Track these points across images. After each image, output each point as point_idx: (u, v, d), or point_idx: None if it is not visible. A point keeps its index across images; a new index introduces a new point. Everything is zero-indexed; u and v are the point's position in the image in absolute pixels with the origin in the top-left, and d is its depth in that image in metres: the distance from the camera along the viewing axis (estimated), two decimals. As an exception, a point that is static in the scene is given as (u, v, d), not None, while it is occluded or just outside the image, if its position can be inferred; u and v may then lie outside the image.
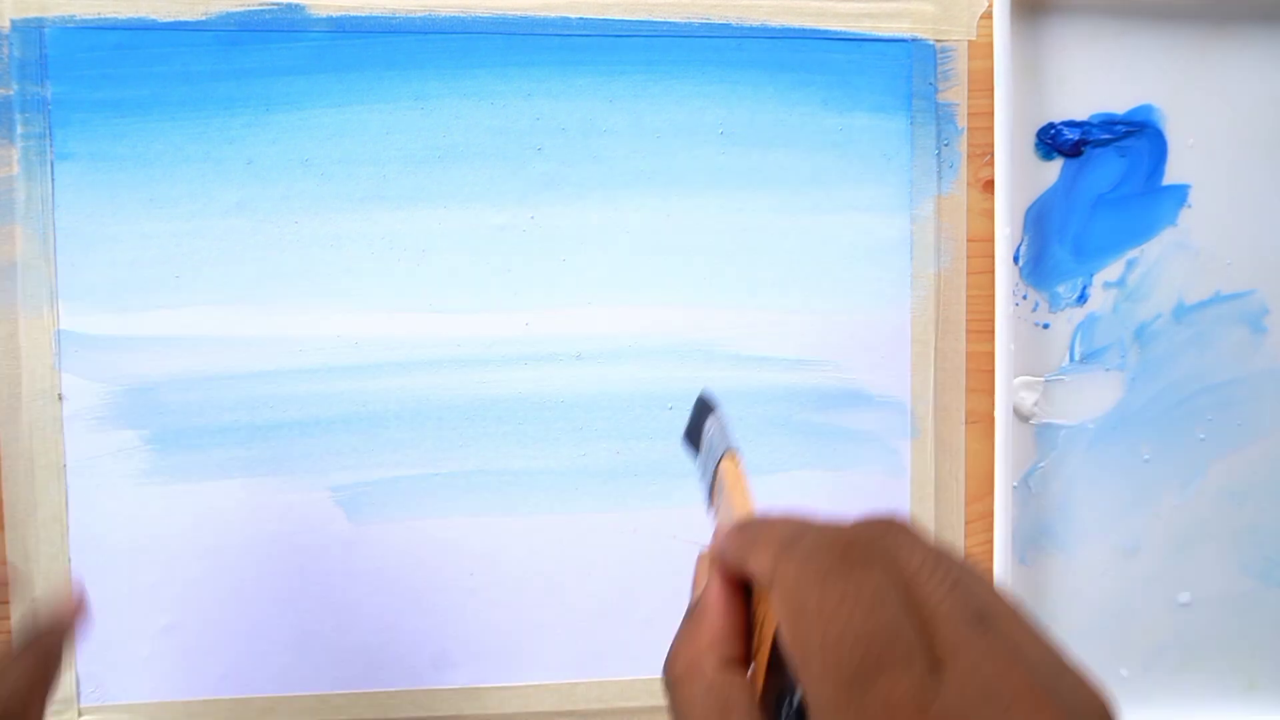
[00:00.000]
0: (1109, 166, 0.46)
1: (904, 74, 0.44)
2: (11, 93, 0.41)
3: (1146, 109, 0.46)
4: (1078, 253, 0.46)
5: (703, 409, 0.32)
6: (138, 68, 0.42)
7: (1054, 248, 0.46)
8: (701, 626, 0.26)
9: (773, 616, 0.23)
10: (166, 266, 0.42)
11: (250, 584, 0.43)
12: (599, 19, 0.43)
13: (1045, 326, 0.46)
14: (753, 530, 0.24)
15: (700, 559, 0.28)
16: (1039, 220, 0.46)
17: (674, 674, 0.25)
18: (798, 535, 0.22)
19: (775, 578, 0.21)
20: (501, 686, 0.44)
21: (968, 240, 0.45)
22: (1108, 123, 0.46)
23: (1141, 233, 0.46)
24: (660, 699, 0.45)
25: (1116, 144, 0.46)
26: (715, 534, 0.27)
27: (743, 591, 0.25)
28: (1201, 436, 0.47)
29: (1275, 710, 0.48)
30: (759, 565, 0.22)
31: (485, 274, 0.43)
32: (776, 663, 0.24)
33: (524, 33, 0.43)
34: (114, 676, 0.43)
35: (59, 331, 0.42)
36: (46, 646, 0.32)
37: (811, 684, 0.19)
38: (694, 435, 0.33)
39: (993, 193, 0.44)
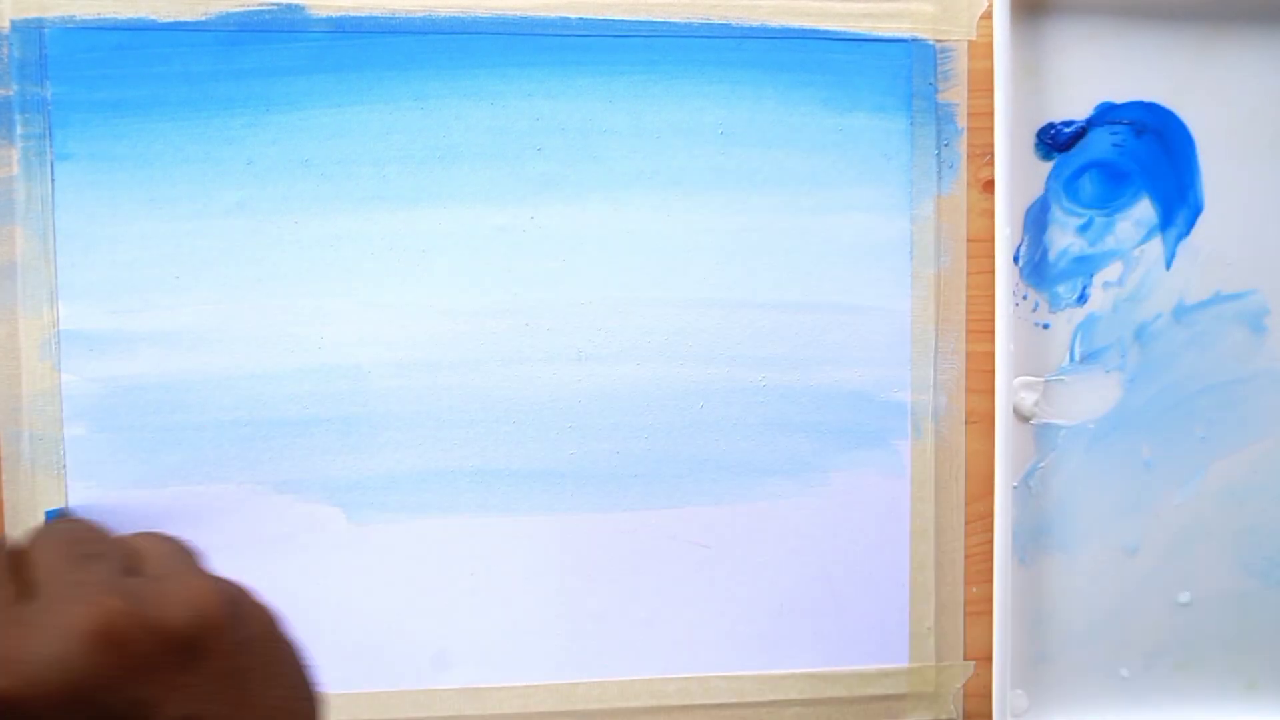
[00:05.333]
0: (1109, 166, 0.46)
1: (904, 74, 0.44)
2: (11, 93, 0.41)
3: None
4: (1078, 252, 0.46)
5: None
6: (138, 68, 0.42)
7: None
8: None
9: None
10: (166, 266, 0.42)
11: (249, 584, 0.43)
12: (599, 19, 0.43)
13: (1045, 326, 0.46)
14: None
15: None
16: (1039, 220, 0.46)
17: None
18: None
19: None
20: (501, 686, 0.44)
21: (968, 240, 0.45)
22: (1108, 123, 0.46)
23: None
24: (660, 699, 0.45)
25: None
26: None
27: None
28: (1201, 436, 0.47)
29: (1275, 710, 0.48)
30: None
31: (485, 274, 0.43)
32: None
33: (524, 33, 0.43)
34: (114, 676, 0.43)
35: (59, 331, 0.42)
36: None
37: None
38: None
39: (993, 193, 0.44)
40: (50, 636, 0.21)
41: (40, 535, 0.27)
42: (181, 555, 0.27)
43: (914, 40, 0.44)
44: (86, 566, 0.25)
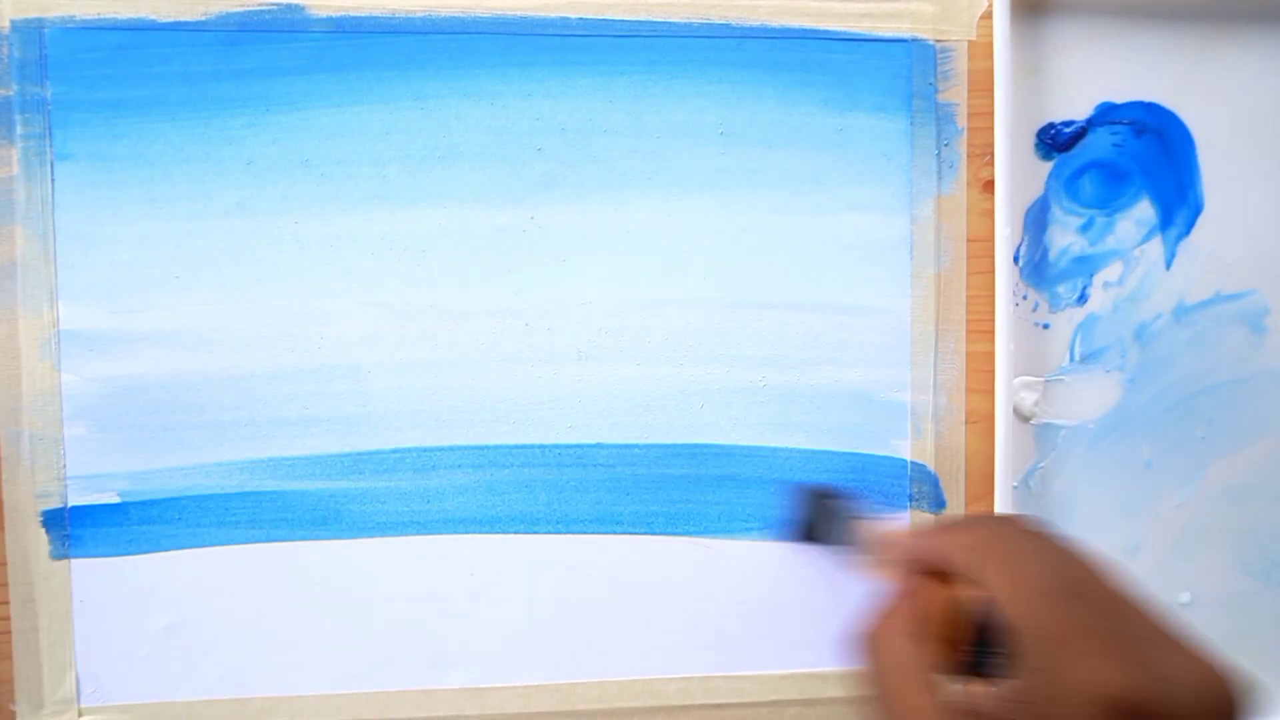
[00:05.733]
0: (1109, 166, 0.46)
1: (904, 74, 0.44)
2: (11, 93, 0.41)
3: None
4: (1078, 252, 0.46)
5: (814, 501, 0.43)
6: (138, 68, 0.42)
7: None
8: (898, 609, 0.31)
9: (952, 598, 0.30)
10: (166, 266, 0.42)
11: (250, 584, 0.43)
12: (599, 19, 0.43)
13: (1045, 326, 0.46)
14: (943, 535, 0.31)
15: (881, 565, 0.36)
16: (1039, 220, 0.46)
17: (874, 644, 0.30)
18: (975, 525, 0.30)
19: (985, 555, 0.28)
20: (501, 686, 0.44)
21: (968, 240, 0.45)
22: (1108, 123, 0.46)
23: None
24: (660, 699, 0.45)
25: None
26: (892, 546, 0.34)
27: (931, 583, 0.31)
28: (1201, 436, 0.47)
29: (1275, 710, 0.48)
30: (961, 557, 0.29)
31: (485, 274, 0.43)
32: (953, 638, 0.30)
33: (524, 33, 0.43)
34: (114, 676, 0.43)
35: (59, 331, 0.42)
36: None
37: (1021, 603, 0.25)
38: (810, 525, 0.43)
39: (993, 193, 0.44)
40: (1185, 657, 0.21)
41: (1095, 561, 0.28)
42: (1159, 617, 0.26)
43: (914, 40, 0.44)
44: (1085, 609, 0.25)
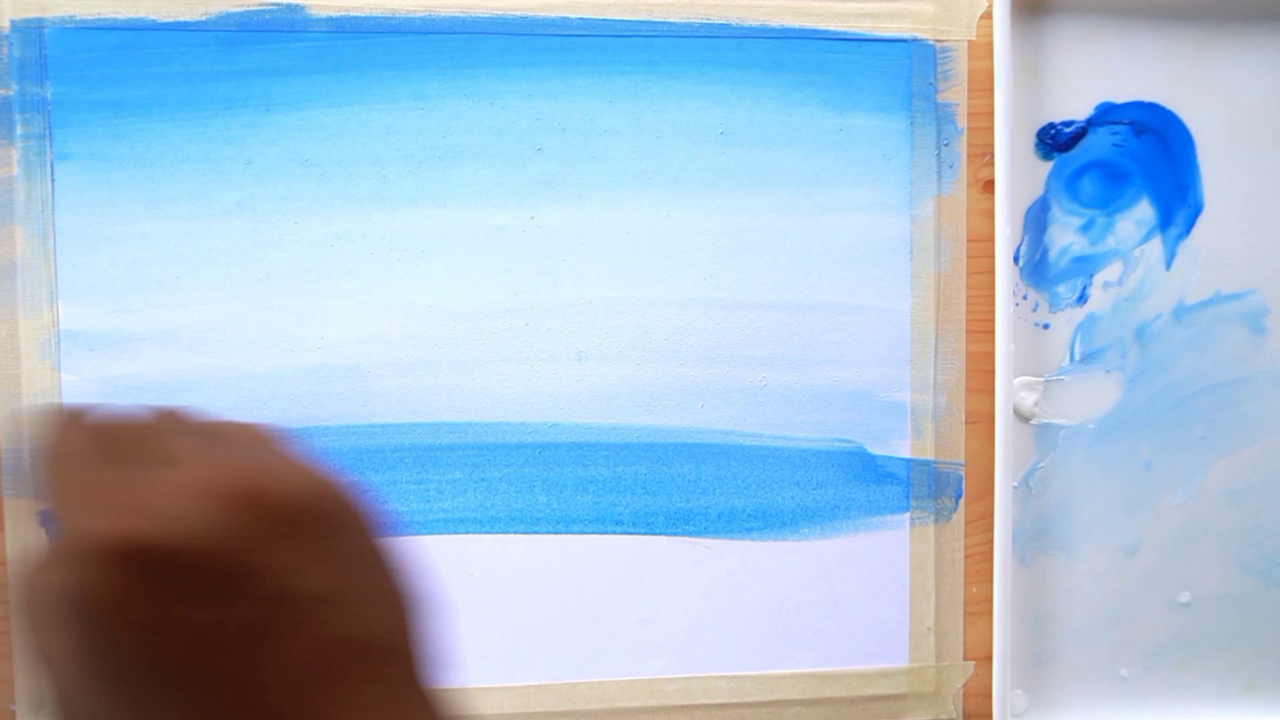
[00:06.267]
0: (1109, 166, 0.46)
1: (904, 74, 0.44)
2: (11, 93, 0.41)
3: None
4: (1078, 252, 0.46)
5: None
6: (138, 68, 0.42)
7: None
8: None
9: None
10: (166, 266, 0.42)
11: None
12: (599, 19, 0.43)
13: (1045, 326, 0.46)
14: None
15: None
16: (1039, 220, 0.46)
17: None
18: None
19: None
20: (501, 686, 0.44)
21: (968, 240, 0.45)
22: (1108, 123, 0.46)
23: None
24: (660, 699, 0.45)
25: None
26: None
27: None
28: (1201, 436, 0.47)
29: (1275, 710, 0.48)
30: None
31: (485, 274, 0.43)
32: None
33: (524, 33, 0.43)
34: (114, 676, 0.43)
35: (59, 331, 0.42)
36: None
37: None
38: None
39: (993, 193, 0.44)
40: (185, 494, 0.23)
41: (165, 418, 0.28)
42: (288, 444, 0.28)
43: (914, 40, 0.44)
44: (216, 444, 0.26)
